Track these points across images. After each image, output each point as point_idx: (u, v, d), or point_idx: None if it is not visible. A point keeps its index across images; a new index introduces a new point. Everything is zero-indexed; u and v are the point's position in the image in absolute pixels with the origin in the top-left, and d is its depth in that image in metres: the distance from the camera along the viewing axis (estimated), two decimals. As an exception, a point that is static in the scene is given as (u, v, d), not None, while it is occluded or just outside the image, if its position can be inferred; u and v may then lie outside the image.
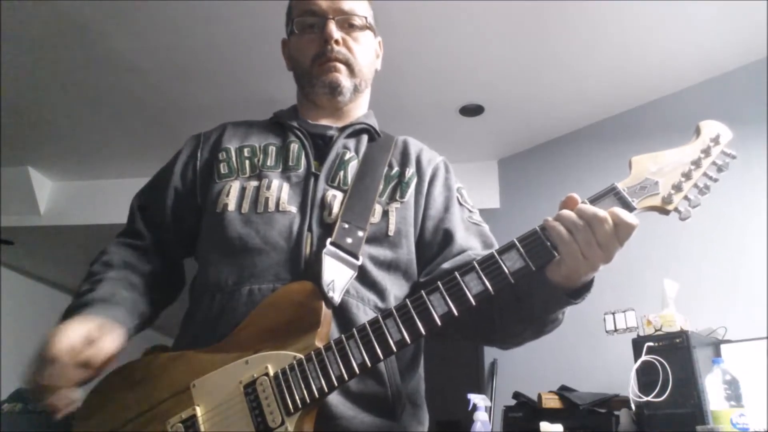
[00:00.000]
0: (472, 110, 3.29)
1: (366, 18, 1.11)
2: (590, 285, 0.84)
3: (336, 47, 1.07)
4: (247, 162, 1.07)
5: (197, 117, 3.37)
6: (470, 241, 1.03)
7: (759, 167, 2.55)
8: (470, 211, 1.09)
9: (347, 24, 1.10)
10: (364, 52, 1.12)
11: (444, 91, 3.14)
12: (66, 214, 4.12)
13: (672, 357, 2.06)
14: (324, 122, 1.13)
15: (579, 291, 0.84)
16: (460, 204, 1.09)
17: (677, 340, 2.08)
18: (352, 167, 1.06)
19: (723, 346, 2.20)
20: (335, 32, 1.07)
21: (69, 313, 0.94)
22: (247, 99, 3.15)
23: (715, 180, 0.83)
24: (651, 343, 2.12)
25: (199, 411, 0.86)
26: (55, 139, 3.65)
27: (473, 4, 2.49)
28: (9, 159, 3.83)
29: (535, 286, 0.84)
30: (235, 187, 1.03)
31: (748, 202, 2.56)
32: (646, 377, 2.08)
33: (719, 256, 2.60)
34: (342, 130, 1.11)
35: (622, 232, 0.77)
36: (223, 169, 1.06)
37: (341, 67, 1.09)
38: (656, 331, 2.17)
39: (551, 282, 0.83)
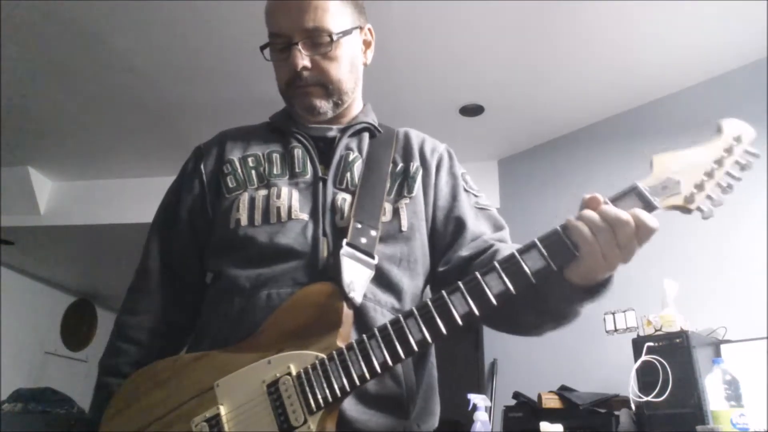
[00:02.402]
0: (472, 110, 3.29)
1: (333, 33, 1.03)
2: (608, 283, 0.85)
3: (305, 74, 1.04)
4: (253, 172, 1.06)
5: (197, 117, 3.38)
6: (481, 226, 1.06)
7: (759, 167, 2.54)
8: (476, 196, 1.11)
9: (314, 43, 1.04)
10: (339, 66, 1.06)
11: (444, 91, 3.14)
12: (66, 214, 4.12)
13: (672, 357, 2.06)
14: (323, 124, 1.12)
15: (596, 288, 0.85)
16: (466, 191, 1.10)
17: (677, 340, 2.08)
18: (358, 167, 1.06)
19: (723, 346, 2.20)
20: (300, 61, 1.03)
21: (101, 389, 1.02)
22: (247, 99, 3.15)
23: (738, 179, 0.83)
24: (651, 343, 2.12)
25: (222, 410, 0.87)
26: (55, 139, 3.66)
27: (473, 4, 2.49)
28: (9, 159, 3.84)
29: (553, 284, 0.85)
30: (244, 199, 1.03)
31: (748, 202, 2.56)
32: (646, 377, 2.08)
33: (719, 255, 2.60)
34: (343, 131, 1.11)
35: (642, 234, 0.78)
36: (230, 182, 1.06)
37: (315, 90, 1.06)
38: (656, 331, 2.17)
39: (568, 280, 0.84)
